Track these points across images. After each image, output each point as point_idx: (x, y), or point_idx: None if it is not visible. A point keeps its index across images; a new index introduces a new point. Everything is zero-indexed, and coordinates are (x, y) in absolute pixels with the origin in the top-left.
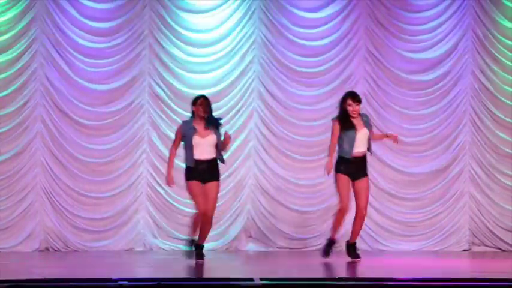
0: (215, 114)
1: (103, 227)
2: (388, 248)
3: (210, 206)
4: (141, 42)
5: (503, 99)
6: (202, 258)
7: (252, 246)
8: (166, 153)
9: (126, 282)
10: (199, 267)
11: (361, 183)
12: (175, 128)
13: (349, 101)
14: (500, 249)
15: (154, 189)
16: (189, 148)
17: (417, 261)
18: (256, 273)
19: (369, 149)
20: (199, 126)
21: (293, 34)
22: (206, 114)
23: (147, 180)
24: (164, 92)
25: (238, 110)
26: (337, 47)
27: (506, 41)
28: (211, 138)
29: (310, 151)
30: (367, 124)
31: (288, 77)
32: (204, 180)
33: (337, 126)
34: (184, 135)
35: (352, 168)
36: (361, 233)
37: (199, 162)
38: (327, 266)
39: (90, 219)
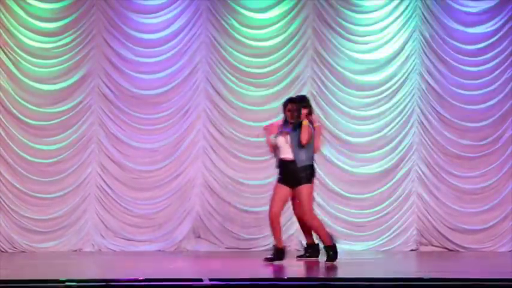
0: (164, 114)
1: (51, 227)
2: None
3: (299, 210)
4: (89, 42)
5: (450, 100)
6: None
7: (200, 247)
8: (115, 153)
9: (74, 283)
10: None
11: None
12: (124, 128)
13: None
14: (447, 248)
15: (103, 190)
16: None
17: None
18: (205, 273)
19: None
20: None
21: (241, 34)
22: (293, 119)
23: (95, 181)
24: (112, 92)
25: (187, 111)
26: (285, 47)
27: (453, 42)
28: (287, 138)
29: (259, 151)
30: None
31: (236, 78)
32: (291, 185)
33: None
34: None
35: None
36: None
37: (282, 161)
38: (274, 267)
39: (37, 220)
